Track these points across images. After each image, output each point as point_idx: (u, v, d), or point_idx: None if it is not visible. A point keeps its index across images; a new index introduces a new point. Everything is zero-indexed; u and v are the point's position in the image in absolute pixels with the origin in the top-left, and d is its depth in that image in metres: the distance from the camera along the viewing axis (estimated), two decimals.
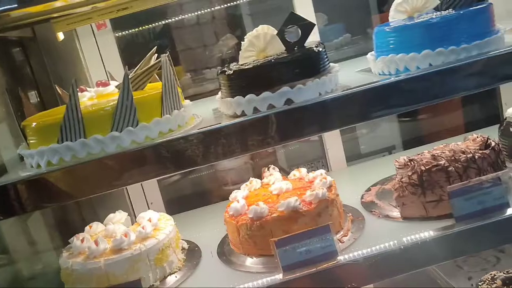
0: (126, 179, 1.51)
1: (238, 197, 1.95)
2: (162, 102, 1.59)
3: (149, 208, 2.61)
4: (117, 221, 2.00)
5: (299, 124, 1.53)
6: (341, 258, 1.65)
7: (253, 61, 1.66)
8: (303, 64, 1.58)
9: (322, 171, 2.02)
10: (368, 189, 2.19)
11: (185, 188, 2.91)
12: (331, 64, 1.71)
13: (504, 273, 2.10)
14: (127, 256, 1.73)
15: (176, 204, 2.76)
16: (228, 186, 2.86)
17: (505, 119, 2.13)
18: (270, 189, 1.99)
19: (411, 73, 1.57)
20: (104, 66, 2.33)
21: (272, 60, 1.57)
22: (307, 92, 1.56)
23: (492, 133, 2.14)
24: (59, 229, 2.59)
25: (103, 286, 1.70)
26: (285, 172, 2.94)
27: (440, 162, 1.76)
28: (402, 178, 1.81)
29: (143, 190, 2.58)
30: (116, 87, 1.76)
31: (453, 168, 1.74)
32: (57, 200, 1.51)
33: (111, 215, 2.04)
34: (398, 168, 1.85)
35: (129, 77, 1.57)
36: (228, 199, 2.03)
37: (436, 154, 1.81)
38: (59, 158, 1.52)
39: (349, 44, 2.91)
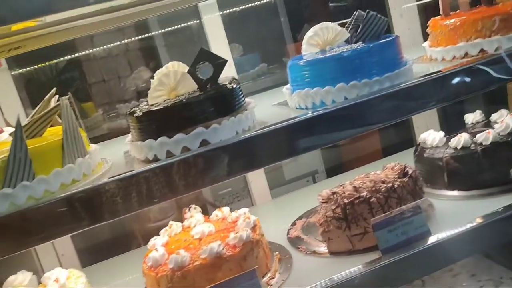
0: (25, 242, 1.32)
1: (157, 245, 1.81)
2: (64, 151, 1.43)
3: (59, 261, 2.38)
4: (19, 284, 1.76)
5: (219, 166, 1.44)
6: None
7: (164, 101, 1.55)
8: (217, 102, 1.50)
9: (245, 209, 1.93)
10: (294, 223, 2.14)
11: (101, 232, 2.68)
12: (246, 99, 1.65)
13: None
14: None
15: (92, 253, 2.54)
16: (150, 223, 2.69)
17: (419, 144, 2.18)
18: (191, 233, 1.86)
19: (331, 107, 1.54)
20: (0, 110, 2.11)
21: (184, 100, 1.48)
22: (223, 131, 1.47)
23: (407, 157, 2.19)
24: None
25: None
26: (210, 205, 2.83)
27: (362, 194, 1.75)
28: (326, 212, 1.78)
29: (52, 242, 2.34)
30: (10, 135, 1.57)
31: (375, 199, 1.73)
32: None
33: (12, 277, 1.80)
34: (322, 202, 1.82)
35: (25, 123, 1.40)
36: (150, 237, 1.88)
37: (357, 186, 1.80)
38: None
39: (265, 74, 2.90)
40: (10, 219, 1.29)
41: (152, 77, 1.67)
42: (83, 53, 2.58)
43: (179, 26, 2.69)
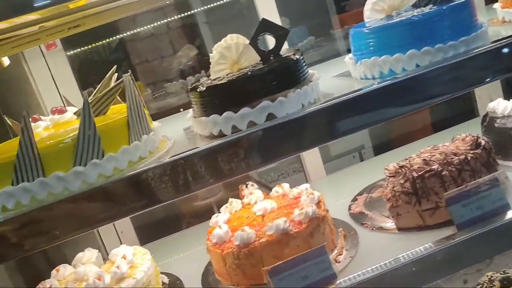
0: (97, 220, 1.32)
1: (220, 222, 1.79)
2: (129, 128, 1.41)
3: (119, 238, 2.42)
4: (87, 260, 1.79)
5: (286, 141, 1.39)
6: (341, 281, 1.52)
7: (227, 74, 1.51)
8: (282, 74, 1.44)
9: (307, 185, 1.88)
10: (354, 199, 2.07)
11: (156, 211, 2.72)
12: (309, 71, 1.58)
13: (500, 273, 2.02)
14: None
15: (149, 230, 2.57)
16: (197, 201, 2.69)
17: (487, 114, 2.06)
18: (253, 210, 1.83)
19: (402, 75, 1.45)
20: (58, 90, 2.13)
21: (249, 73, 1.43)
22: (289, 104, 1.42)
23: (468, 129, 2.06)
24: (22, 272, 2.35)
25: None
26: (259, 185, 2.81)
27: (433, 167, 1.66)
28: (394, 187, 1.70)
29: None
30: (75, 113, 1.57)
31: (447, 172, 1.64)
32: (16, 253, 1.31)
33: (80, 254, 1.83)
34: (389, 176, 1.74)
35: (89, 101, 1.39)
36: (201, 215, 1.87)
37: (427, 158, 1.71)
38: (16, 202, 1.31)
39: (314, 47, 2.81)
40: (85, 197, 1.29)
41: (197, 55, 1.62)
42: (128, 33, 2.57)
43: (221, 2, 2.63)
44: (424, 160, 1.71)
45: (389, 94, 1.43)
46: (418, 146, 2.33)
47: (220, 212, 1.92)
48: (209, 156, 1.37)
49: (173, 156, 1.37)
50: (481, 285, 2.05)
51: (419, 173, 1.66)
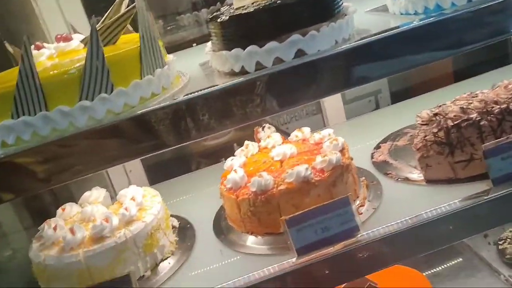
0: (104, 161, 1.21)
1: (235, 166, 1.68)
2: (141, 60, 1.27)
3: (128, 177, 2.33)
4: (94, 200, 1.71)
5: (316, 82, 1.24)
6: (363, 234, 1.42)
7: (252, 3, 1.33)
8: (315, 5, 1.27)
9: (330, 130, 1.75)
10: (378, 147, 1.95)
11: (166, 151, 2.61)
12: (344, 3, 1.40)
13: None
14: (111, 245, 1.46)
15: (158, 170, 2.48)
16: (207, 141, 2.58)
17: None
18: (271, 154, 1.72)
19: (455, 10, 1.27)
20: (63, 15, 1.96)
21: (278, 1, 1.26)
22: (321, 40, 1.26)
23: (501, 76, 1.90)
24: (28, 208, 2.29)
25: (85, 284, 1.43)
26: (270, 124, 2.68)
27: (471, 116, 1.52)
28: (425, 135, 1.57)
29: None
30: (82, 41, 1.42)
31: (486, 122, 1.50)
32: (16, 192, 1.20)
33: (87, 193, 1.75)
34: (421, 124, 1.61)
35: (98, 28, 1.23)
36: (212, 156, 1.76)
37: (464, 106, 1.57)
38: (16, 137, 1.20)
39: None
40: (92, 135, 1.17)
41: None
42: None
43: None
44: (462, 108, 1.56)
45: (434, 33, 1.26)
46: (440, 95, 2.21)
47: (234, 156, 1.81)
48: (230, 95, 1.23)
49: (189, 94, 1.23)
50: (503, 241, 1.97)
51: (455, 122, 1.52)
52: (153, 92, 1.28)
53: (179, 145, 1.25)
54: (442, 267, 2.19)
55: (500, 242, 1.99)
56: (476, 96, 1.63)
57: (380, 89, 2.84)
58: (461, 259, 2.20)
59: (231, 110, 1.24)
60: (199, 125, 1.23)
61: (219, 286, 1.41)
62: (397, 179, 1.68)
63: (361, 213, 1.54)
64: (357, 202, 1.59)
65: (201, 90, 1.22)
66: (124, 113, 1.21)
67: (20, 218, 2.18)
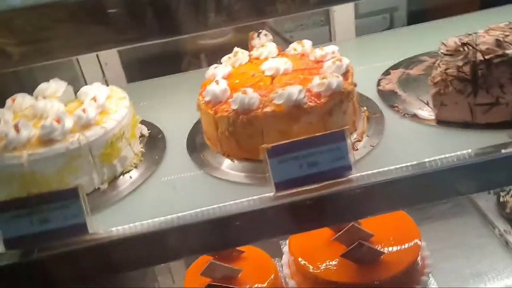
0: (77, 46, 0.97)
1: (218, 76, 1.43)
2: None
3: (102, 71, 2.07)
4: (51, 94, 1.47)
5: None
6: (356, 176, 1.21)
7: None
8: None
9: (335, 47, 1.48)
10: (386, 73, 1.69)
11: (152, 46, 2.32)
12: None
13: None
14: (60, 151, 1.25)
15: (138, 66, 2.21)
16: (204, 40, 2.29)
17: None
18: (261, 67, 1.46)
19: None
20: None
21: None
22: None
23: None
24: None
25: (26, 190, 1.23)
26: (273, 33, 2.39)
27: (508, 52, 1.25)
28: (447, 68, 1.31)
29: None
30: None
31: None
32: None
33: (43, 84, 1.50)
34: (445, 54, 1.34)
35: None
36: (208, 58, 1.51)
37: (500, 38, 1.29)
38: None
39: None
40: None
41: None
42: None
43: None
44: (497, 40, 1.28)
45: None
46: (466, 21, 1.93)
47: (220, 63, 1.55)
48: None
49: None
50: (506, 193, 1.80)
51: (487, 57, 1.26)
52: None
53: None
54: (433, 210, 2.04)
55: (502, 194, 1.81)
56: None
57: (397, 6, 2.52)
58: (454, 204, 2.04)
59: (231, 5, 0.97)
60: (193, 19, 0.97)
61: (181, 213, 1.22)
62: (404, 115, 1.44)
63: (357, 149, 1.32)
64: (354, 136, 1.37)
65: None
66: None
67: None
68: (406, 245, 1.63)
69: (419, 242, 1.64)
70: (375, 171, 1.22)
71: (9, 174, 1.25)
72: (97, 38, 1.00)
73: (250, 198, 1.21)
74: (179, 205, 1.24)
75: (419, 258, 1.62)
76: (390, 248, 1.62)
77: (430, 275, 1.70)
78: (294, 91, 1.25)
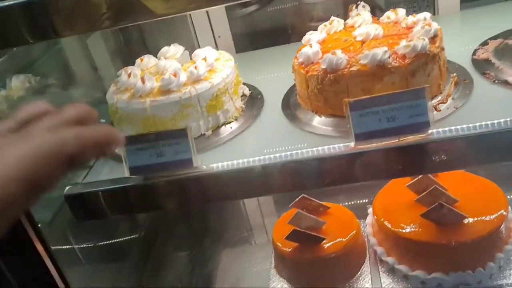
0: None
1: (312, 41, 1.57)
2: None
3: (215, 43, 2.32)
4: (171, 56, 1.73)
5: None
6: (433, 132, 1.28)
7: None
8: None
9: (427, 14, 1.54)
10: (485, 43, 1.69)
11: (260, 22, 2.52)
12: None
13: None
14: (175, 99, 1.49)
15: (248, 39, 2.43)
16: (313, 22, 2.43)
17: None
18: (353, 33, 1.57)
19: None
20: None
21: None
22: None
23: None
24: (121, 56, 2.42)
25: (149, 130, 1.50)
26: (377, 8, 2.44)
27: None
28: None
29: (209, 21, 2.26)
30: None
31: None
32: None
33: (165, 48, 1.76)
34: None
35: None
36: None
37: None
38: None
39: None
40: None
41: None
42: None
43: None
44: None
45: None
46: None
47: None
48: None
49: None
50: None
51: None
52: None
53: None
54: None
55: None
56: None
57: None
58: None
59: None
60: None
61: (271, 155, 1.40)
62: (494, 81, 1.46)
63: (440, 110, 1.39)
64: (439, 97, 1.43)
65: None
66: None
67: (113, 63, 2.33)
68: (491, 212, 1.64)
69: (504, 212, 1.64)
70: (452, 127, 1.28)
71: (136, 116, 1.52)
72: None
73: (330, 145, 1.35)
74: (271, 149, 1.42)
75: (503, 227, 1.62)
76: (473, 213, 1.64)
77: None
78: (379, 52, 1.35)
